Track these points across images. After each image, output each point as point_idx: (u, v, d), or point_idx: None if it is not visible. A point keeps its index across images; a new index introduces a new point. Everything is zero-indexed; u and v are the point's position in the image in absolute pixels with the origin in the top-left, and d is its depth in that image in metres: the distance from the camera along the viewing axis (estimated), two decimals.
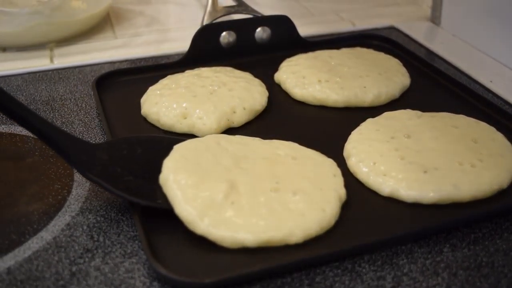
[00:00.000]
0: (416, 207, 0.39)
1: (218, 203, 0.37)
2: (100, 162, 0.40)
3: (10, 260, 0.36)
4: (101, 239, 0.38)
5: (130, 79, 0.57)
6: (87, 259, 0.36)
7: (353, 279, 0.35)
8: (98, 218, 0.40)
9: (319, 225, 0.37)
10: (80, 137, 0.49)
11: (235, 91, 0.51)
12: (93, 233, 0.38)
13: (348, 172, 0.43)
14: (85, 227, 0.39)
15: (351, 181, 0.42)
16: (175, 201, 0.38)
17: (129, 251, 0.37)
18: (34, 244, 0.38)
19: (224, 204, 0.37)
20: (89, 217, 0.40)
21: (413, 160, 0.42)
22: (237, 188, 0.39)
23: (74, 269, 0.36)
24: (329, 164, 0.42)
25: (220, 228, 0.36)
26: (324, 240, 0.37)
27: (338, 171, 0.42)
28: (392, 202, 0.40)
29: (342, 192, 0.40)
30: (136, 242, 0.38)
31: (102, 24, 0.73)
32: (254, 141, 0.44)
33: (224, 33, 0.59)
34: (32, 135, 0.49)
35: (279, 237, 0.36)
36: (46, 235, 0.38)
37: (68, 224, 0.39)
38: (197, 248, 0.36)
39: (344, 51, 0.60)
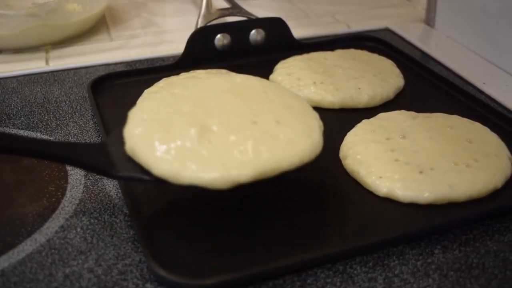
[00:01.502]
0: (412, 207, 0.40)
1: (195, 147, 0.35)
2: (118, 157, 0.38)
3: (4, 262, 0.36)
4: (94, 241, 0.38)
5: (125, 82, 0.57)
6: (80, 261, 0.36)
7: (345, 281, 0.35)
8: (92, 220, 0.40)
9: (311, 151, 0.36)
10: (75, 139, 0.49)
11: None
12: (87, 235, 0.39)
13: (345, 172, 0.43)
14: (78, 229, 0.39)
15: (347, 181, 0.42)
16: (151, 162, 0.36)
17: (122, 253, 0.37)
18: (28, 246, 0.38)
19: (202, 145, 0.35)
20: (82, 219, 0.40)
21: (409, 160, 0.42)
22: (210, 128, 0.36)
23: (67, 271, 0.36)
24: (300, 99, 0.42)
25: (208, 170, 0.34)
26: (320, 240, 0.37)
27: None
28: (389, 202, 0.40)
29: (320, 122, 0.40)
30: (130, 244, 0.38)
31: (98, 26, 0.73)
32: (214, 77, 0.43)
33: (218, 36, 0.59)
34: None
35: (273, 166, 0.34)
36: (40, 237, 0.38)
37: (62, 226, 0.39)
38: (194, 250, 0.37)
39: (339, 52, 0.60)
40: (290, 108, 0.39)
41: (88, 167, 0.38)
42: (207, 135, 0.36)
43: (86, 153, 0.38)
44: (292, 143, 0.36)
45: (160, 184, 0.36)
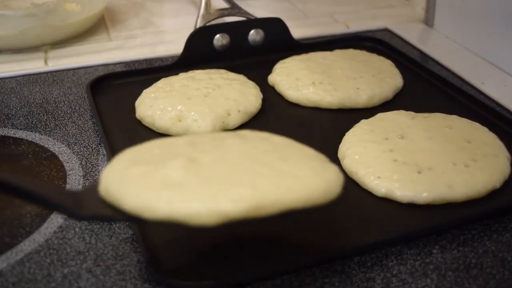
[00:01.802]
0: (411, 207, 0.40)
1: (176, 177, 0.29)
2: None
3: (2, 262, 0.37)
4: (93, 241, 0.38)
5: (124, 82, 0.57)
6: (79, 261, 0.36)
7: (343, 281, 0.35)
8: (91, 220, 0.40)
9: (322, 191, 0.30)
10: (74, 139, 0.49)
11: (230, 94, 0.51)
12: (85, 235, 0.39)
13: (343, 173, 0.43)
14: (77, 230, 0.39)
15: (346, 182, 0.42)
16: (122, 196, 0.30)
17: (120, 253, 0.37)
18: (26, 246, 0.38)
19: (186, 177, 0.29)
20: None
21: (407, 160, 0.42)
22: (199, 161, 0.31)
23: (66, 271, 0.36)
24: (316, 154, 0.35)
25: (189, 201, 0.28)
26: (319, 240, 0.37)
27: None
28: (388, 202, 0.40)
29: (341, 174, 0.33)
30: (128, 244, 0.38)
31: (97, 26, 0.73)
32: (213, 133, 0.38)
33: (217, 36, 0.59)
34: (26, 138, 0.49)
35: (272, 199, 0.28)
36: (38, 237, 0.38)
37: (60, 227, 0.39)
38: (192, 250, 0.37)
39: (337, 52, 0.60)
40: (300, 150, 0.33)
41: (49, 204, 0.33)
42: (194, 167, 0.30)
43: (54, 191, 0.34)
44: (297, 177, 0.30)
45: (134, 222, 0.33)
